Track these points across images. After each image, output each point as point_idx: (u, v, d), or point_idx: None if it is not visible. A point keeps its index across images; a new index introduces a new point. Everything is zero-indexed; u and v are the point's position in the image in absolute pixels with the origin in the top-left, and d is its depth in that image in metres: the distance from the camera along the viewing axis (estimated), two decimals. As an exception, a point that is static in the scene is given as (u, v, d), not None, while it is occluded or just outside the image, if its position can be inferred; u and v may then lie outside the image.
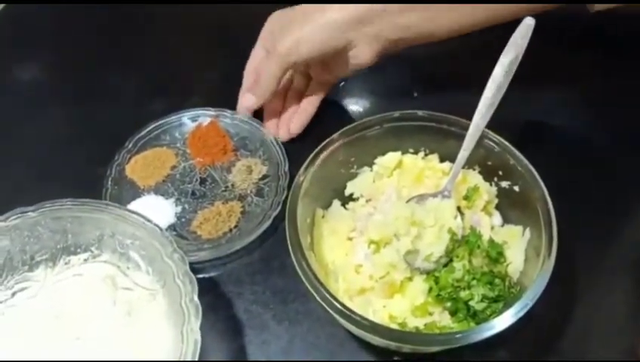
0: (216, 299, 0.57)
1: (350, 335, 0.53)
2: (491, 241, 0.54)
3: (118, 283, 0.51)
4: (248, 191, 0.64)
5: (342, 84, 0.73)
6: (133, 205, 0.62)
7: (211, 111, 0.70)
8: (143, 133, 0.68)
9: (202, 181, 0.66)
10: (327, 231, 0.57)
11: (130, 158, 0.66)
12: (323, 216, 0.58)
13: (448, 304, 0.51)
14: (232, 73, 0.69)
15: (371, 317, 0.50)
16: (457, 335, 0.46)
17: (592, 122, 0.68)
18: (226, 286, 0.58)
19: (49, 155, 0.69)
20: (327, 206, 0.59)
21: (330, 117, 0.69)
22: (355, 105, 0.72)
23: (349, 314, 0.46)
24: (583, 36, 0.76)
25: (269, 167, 0.65)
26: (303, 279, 0.48)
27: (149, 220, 0.50)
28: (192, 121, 0.70)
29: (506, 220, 0.58)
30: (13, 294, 0.51)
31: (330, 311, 0.47)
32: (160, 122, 0.69)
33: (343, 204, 0.59)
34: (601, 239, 0.59)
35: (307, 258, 0.49)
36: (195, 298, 0.46)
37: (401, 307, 0.51)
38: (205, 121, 0.69)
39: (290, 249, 0.50)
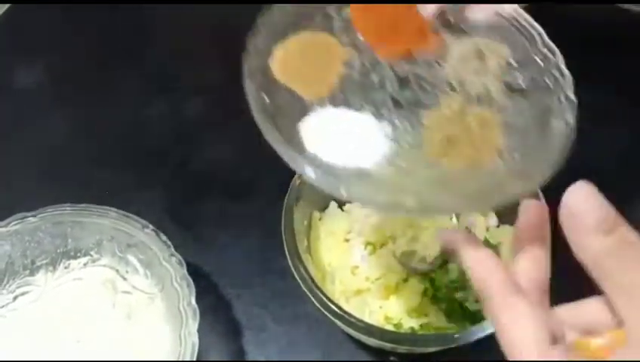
0: (215, 301, 0.57)
1: (348, 337, 0.54)
2: (487, 242, 0.54)
3: (118, 286, 0.51)
4: (492, 89, 0.40)
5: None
6: (313, 129, 0.38)
7: None
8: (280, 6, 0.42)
9: (402, 82, 0.40)
10: (324, 233, 0.57)
11: (271, 50, 0.40)
12: (320, 218, 0.58)
13: (444, 305, 0.52)
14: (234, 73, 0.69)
15: (367, 319, 0.50)
16: (452, 336, 0.46)
17: (588, 122, 0.68)
18: (225, 288, 0.58)
19: (50, 159, 0.69)
20: (323, 208, 0.59)
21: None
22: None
23: (344, 316, 0.47)
24: (582, 36, 0.75)
25: (514, 49, 0.41)
26: (300, 282, 0.49)
27: (147, 225, 0.51)
28: None
29: (502, 221, 0.58)
30: (15, 298, 0.51)
31: (326, 313, 0.47)
32: None
33: (340, 206, 0.60)
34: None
35: (303, 261, 0.50)
36: (193, 301, 0.47)
37: (396, 308, 0.52)
38: None
39: (286, 252, 0.50)
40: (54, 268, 0.52)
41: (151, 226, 0.51)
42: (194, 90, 0.75)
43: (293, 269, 0.49)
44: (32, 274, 0.52)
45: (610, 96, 0.69)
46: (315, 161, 0.36)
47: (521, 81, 0.40)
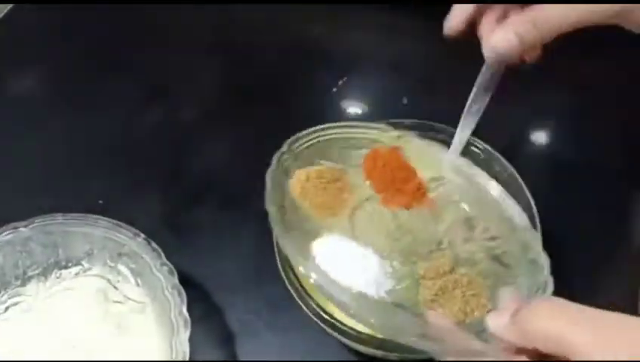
0: (208, 308, 0.57)
1: (342, 344, 0.54)
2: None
3: (109, 296, 0.51)
4: (476, 257, 0.43)
5: (334, 90, 0.73)
6: (322, 251, 0.42)
7: (390, 132, 0.48)
8: (306, 137, 0.46)
9: (401, 231, 0.45)
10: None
11: (292, 170, 0.45)
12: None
13: (435, 311, 0.52)
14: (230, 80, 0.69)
15: (359, 326, 0.50)
16: (443, 343, 0.46)
17: (581, 129, 0.68)
18: (218, 295, 0.58)
19: (41, 169, 0.69)
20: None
21: (317, 125, 0.70)
22: (344, 113, 0.72)
23: (334, 324, 0.47)
24: (576, 40, 0.75)
25: (498, 223, 0.44)
26: (291, 290, 0.49)
27: (138, 233, 0.51)
28: (370, 140, 0.48)
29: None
30: (6, 309, 0.51)
31: (317, 321, 0.47)
32: (331, 130, 0.48)
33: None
34: (596, 242, 0.59)
35: (295, 269, 0.49)
36: (184, 310, 0.47)
37: (388, 315, 0.52)
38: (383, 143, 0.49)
39: (277, 260, 0.50)
40: (46, 279, 0.52)
41: (142, 235, 0.51)
42: (189, 98, 0.75)
43: (284, 276, 0.49)
44: (23, 284, 0.52)
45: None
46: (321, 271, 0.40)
47: (502, 255, 0.44)
